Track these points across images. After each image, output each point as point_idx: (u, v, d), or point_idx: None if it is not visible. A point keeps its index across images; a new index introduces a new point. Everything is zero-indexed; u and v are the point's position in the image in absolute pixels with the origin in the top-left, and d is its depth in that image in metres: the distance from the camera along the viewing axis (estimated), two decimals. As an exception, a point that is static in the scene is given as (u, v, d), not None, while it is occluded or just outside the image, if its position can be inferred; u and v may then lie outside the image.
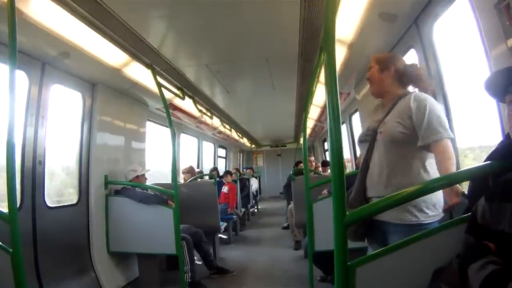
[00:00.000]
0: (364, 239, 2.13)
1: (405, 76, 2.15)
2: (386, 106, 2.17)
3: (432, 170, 1.94)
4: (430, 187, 1.39)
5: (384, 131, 2.03)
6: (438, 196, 1.93)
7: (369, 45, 3.47)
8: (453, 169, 1.81)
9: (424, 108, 1.92)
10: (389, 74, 2.15)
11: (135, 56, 3.75)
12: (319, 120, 8.18)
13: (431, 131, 1.89)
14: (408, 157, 1.96)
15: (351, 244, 1.30)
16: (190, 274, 4.07)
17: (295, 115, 8.49)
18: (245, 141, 13.07)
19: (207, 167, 9.40)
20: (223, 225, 6.03)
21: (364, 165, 2.12)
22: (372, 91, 2.23)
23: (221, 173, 8.61)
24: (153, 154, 6.09)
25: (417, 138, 1.93)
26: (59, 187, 4.06)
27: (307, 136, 4.35)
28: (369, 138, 2.12)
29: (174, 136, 3.94)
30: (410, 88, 2.18)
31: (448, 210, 1.83)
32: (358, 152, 5.84)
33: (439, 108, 1.96)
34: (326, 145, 10.47)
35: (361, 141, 2.22)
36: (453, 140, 1.99)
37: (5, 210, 1.83)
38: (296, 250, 5.93)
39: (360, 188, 2.11)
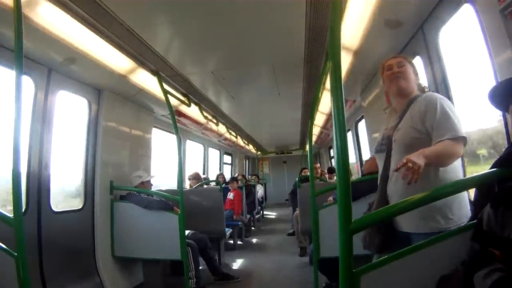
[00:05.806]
0: (383, 251, 2.00)
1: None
2: (398, 110, 2.17)
3: (452, 172, 1.88)
4: (438, 194, 1.37)
5: (398, 138, 2.02)
6: (464, 202, 1.87)
7: (374, 52, 3.46)
8: (443, 155, 1.78)
9: (435, 109, 1.89)
10: (416, 81, 2.17)
11: (141, 62, 3.78)
12: (325, 127, 8.17)
13: (443, 131, 1.84)
14: None
15: (356, 251, 1.29)
16: (195, 280, 4.06)
17: (300, 122, 8.48)
18: (251, 147, 13.07)
19: (213, 173, 9.39)
20: (228, 231, 6.01)
21: (383, 175, 2.09)
22: (400, 86, 2.12)
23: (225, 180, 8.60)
24: (159, 162, 6.10)
25: (431, 140, 1.89)
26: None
27: (313, 143, 4.34)
28: (385, 148, 2.11)
29: (180, 142, 3.95)
30: None
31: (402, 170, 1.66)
32: (364, 159, 5.88)
33: (450, 106, 1.92)
34: (332, 152, 10.44)
35: (377, 151, 2.20)
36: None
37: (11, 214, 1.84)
38: (301, 257, 5.90)
39: (382, 199, 2.05)
